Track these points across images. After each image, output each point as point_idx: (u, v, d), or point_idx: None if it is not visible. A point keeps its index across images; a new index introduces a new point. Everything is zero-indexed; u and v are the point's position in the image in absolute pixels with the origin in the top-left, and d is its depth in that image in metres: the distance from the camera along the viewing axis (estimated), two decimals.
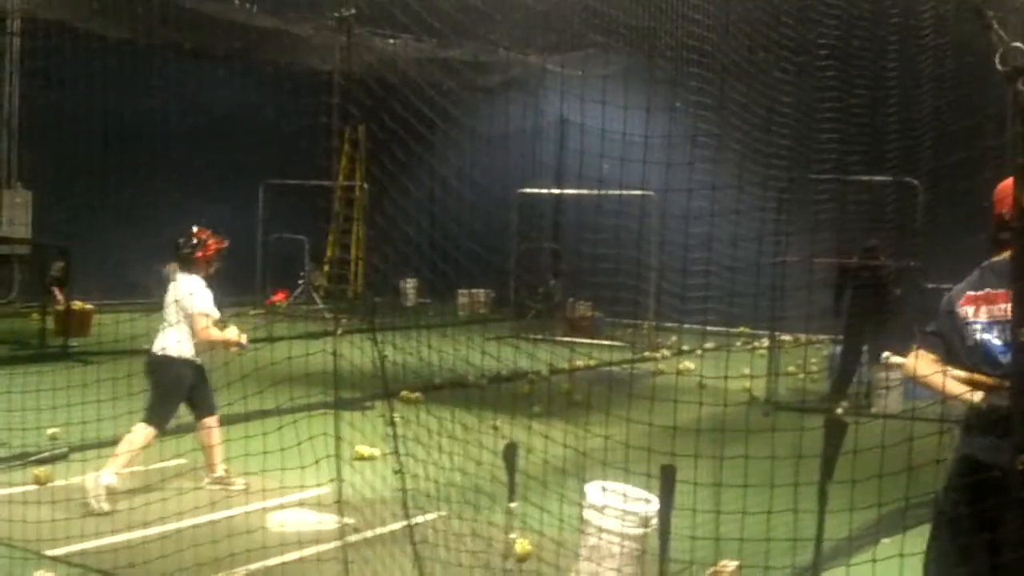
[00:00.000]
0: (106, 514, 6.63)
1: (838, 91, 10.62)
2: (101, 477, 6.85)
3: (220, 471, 7.37)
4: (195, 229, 7.35)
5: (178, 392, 7.21)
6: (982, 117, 10.15)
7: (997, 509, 3.15)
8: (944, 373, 3.66)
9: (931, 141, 11.50)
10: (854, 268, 11.52)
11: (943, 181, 11.82)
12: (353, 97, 5.90)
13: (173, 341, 7.18)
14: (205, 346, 7.25)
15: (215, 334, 7.22)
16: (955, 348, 3.73)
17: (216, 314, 7.26)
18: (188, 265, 7.31)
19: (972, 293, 3.73)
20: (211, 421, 7.41)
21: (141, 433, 7.03)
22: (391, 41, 15.50)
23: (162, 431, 7.16)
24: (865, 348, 11.70)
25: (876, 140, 11.32)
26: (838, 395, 11.51)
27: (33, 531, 5.97)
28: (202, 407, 7.39)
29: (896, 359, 4.42)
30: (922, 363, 3.78)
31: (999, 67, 2.27)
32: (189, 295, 7.12)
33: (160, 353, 7.19)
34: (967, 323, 3.69)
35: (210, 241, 7.33)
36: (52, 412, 7.17)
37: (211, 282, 7.36)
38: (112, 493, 6.81)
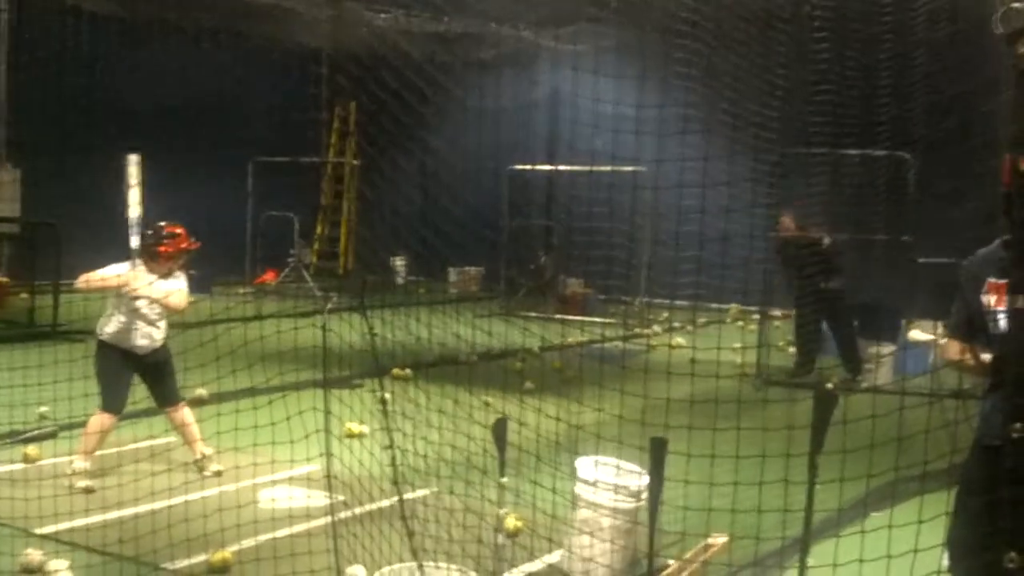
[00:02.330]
0: (93, 492, 6.61)
1: (830, 61, 10.58)
2: (73, 463, 6.88)
3: (198, 453, 7.31)
4: (162, 223, 7.08)
5: (102, 372, 7.01)
6: (975, 83, 10.10)
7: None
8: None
9: (924, 109, 11.47)
10: (792, 241, 11.51)
11: (935, 151, 11.80)
12: (343, 69, 5.84)
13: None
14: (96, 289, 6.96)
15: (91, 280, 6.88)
16: (981, 332, 3.68)
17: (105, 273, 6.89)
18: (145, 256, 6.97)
19: (994, 281, 3.63)
20: (173, 413, 7.25)
21: (94, 417, 6.98)
22: (382, 15, 15.40)
23: (114, 413, 7.01)
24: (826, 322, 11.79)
25: (869, 111, 11.27)
26: (804, 370, 11.55)
27: (23, 509, 5.95)
28: (157, 397, 7.27)
29: (920, 335, 4.41)
30: (953, 349, 3.76)
31: (999, 29, 2.23)
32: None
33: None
34: (991, 312, 3.62)
35: (172, 239, 7.04)
36: (41, 390, 7.13)
37: (166, 275, 7.04)
38: (80, 474, 6.80)
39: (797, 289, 11.69)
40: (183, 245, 7.08)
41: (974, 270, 3.72)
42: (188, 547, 5.50)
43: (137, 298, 6.87)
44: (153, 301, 6.94)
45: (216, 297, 14.42)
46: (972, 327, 3.74)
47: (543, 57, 18.62)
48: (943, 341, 3.94)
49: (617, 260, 14.92)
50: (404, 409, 5.67)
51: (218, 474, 7.11)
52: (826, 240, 11.31)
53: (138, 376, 7.19)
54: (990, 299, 3.60)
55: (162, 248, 6.99)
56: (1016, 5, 2.19)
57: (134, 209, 6.91)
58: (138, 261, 6.86)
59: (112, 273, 6.88)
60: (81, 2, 16.22)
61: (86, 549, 5.68)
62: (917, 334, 4.50)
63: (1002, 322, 3.55)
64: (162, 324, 7.12)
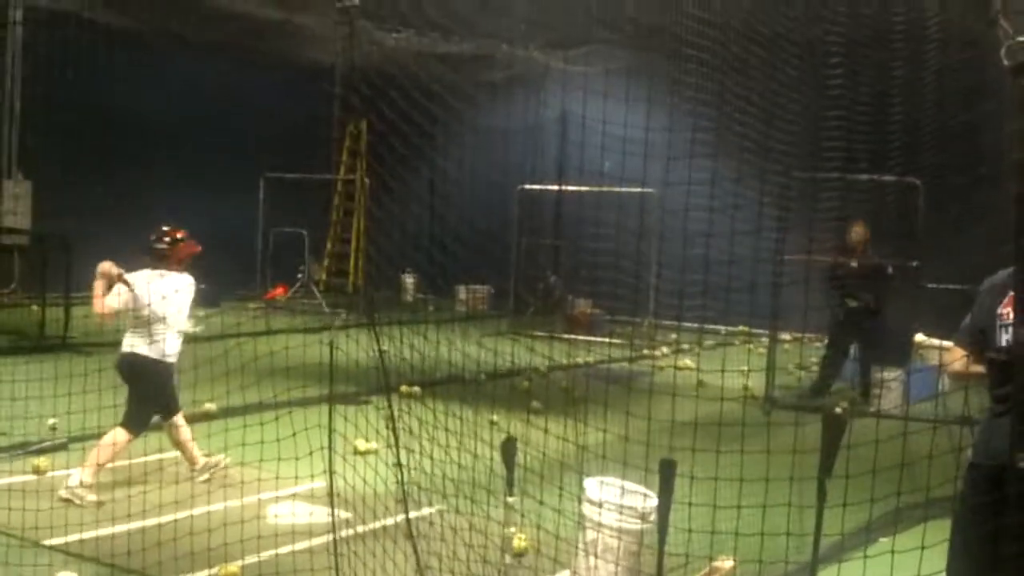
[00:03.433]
0: (101, 503, 6.65)
1: (842, 88, 10.62)
2: (71, 477, 6.88)
3: (201, 460, 7.37)
4: (166, 228, 7.21)
5: (148, 396, 7.08)
6: (983, 111, 10.14)
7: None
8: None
9: (933, 137, 11.50)
10: (843, 267, 11.56)
11: (943, 178, 11.83)
12: (355, 88, 5.88)
13: (152, 343, 7.04)
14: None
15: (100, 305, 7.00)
16: (988, 342, 3.74)
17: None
18: (161, 261, 7.14)
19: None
20: (179, 419, 7.36)
21: (117, 437, 6.98)
22: (394, 35, 15.49)
23: (136, 434, 7.08)
24: (854, 349, 11.78)
25: (879, 137, 11.31)
26: (818, 394, 11.54)
27: (32, 520, 5.98)
28: (171, 407, 7.34)
29: (927, 340, 4.46)
30: (956, 355, 3.83)
31: (1004, 61, 2.26)
32: (175, 293, 7.01)
33: (142, 355, 7.06)
34: (1004, 323, 3.69)
35: (182, 243, 7.20)
36: (52, 402, 7.16)
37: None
38: (88, 487, 6.82)
39: (835, 311, 11.67)
40: (186, 250, 7.23)
41: (998, 285, 3.85)
42: (192, 561, 5.52)
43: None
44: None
45: (226, 312, 14.47)
46: (981, 336, 3.84)
47: (553, 78, 18.69)
48: (948, 344, 4.02)
49: (624, 281, 14.94)
50: (411, 427, 5.69)
51: (225, 467, 7.21)
52: (890, 269, 11.39)
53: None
54: (1009, 311, 3.68)
55: (159, 248, 7.14)
56: (1022, 39, 2.23)
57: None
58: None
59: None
60: (94, 15, 16.34)
61: (94, 561, 5.71)
62: (923, 338, 4.54)
63: (1009, 335, 3.63)
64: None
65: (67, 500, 6.73)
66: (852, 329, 11.57)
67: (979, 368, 3.87)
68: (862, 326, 11.47)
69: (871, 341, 11.61)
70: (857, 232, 11.56)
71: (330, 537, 5.27)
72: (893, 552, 3.80)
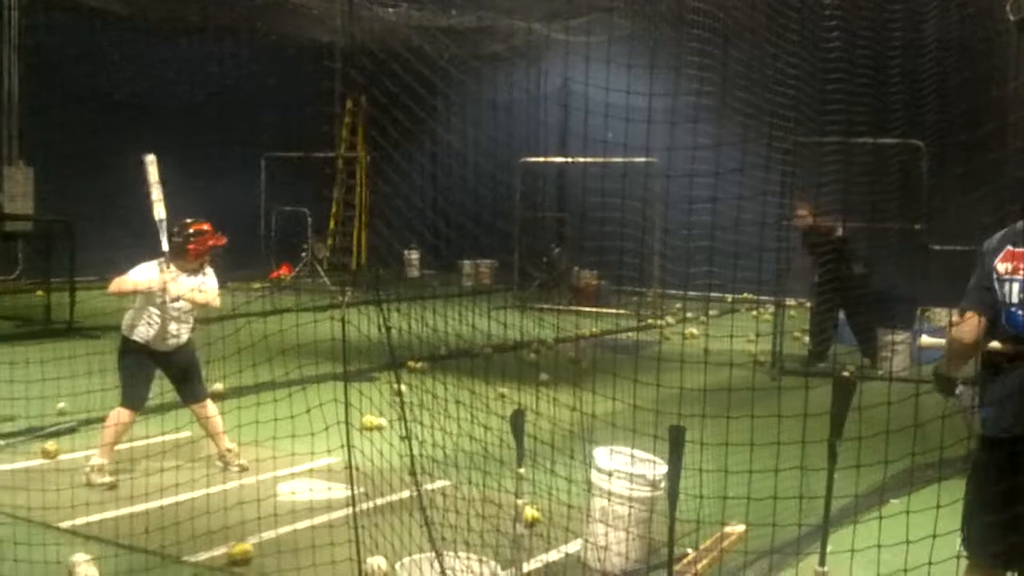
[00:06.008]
0: (112, 487, 6.68)
1: (842, 50, 10.54)
2: (91, 459, 6.90)
3: (223, 448, 7.34)
4: (188, 220, 7.11)
5: (125, 368, 6.99)
6: (985, 68, 10.07)
7: None
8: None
9: (935, 96, 11.42)
10: (821, 233, 11.54)
11: (946, 137, 11.76)
12: (354, 64, 5.84)
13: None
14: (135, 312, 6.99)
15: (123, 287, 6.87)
16: (996, 306, 3.71)
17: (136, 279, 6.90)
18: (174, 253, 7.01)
19: (1013, 249, 3.67)
20: (198, 409, 7.25)
21: (113, 414, 6.97)
22: (391, 10, 15.40)
23: (133, 409, 7.01)
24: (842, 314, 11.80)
25: (881, 98, 11.24)
26: (818, 359, 11.54)
27: (44, 503, 6.01)
28: (183, 393, 7.30)
29: (930, 340, 4.39)
30: (968, 327, 3.77)
31: (1010, 16, 2.24)
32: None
33: None
34: (1003, 279, 3.67)
35: (200, 237, 7.08)
36: (60, 387, 7.19)
37: (196, 270, 7.13)
38: (103, 470, 6.83)
39: (819, 277, 11.69)
40: (210, 242, 7.12)
41: (994, 245, 3.80)
42: (208, 540, 5.55)
43: (175, 300, 6.93)
44: (193, 304, 7.01)
45: (231, 292, 14.47)
46: (987, 294, 3.79)
47: (554, 49, 18.59)
48: (956, 319, 3.96)
49: (629, 251, 14.91)
50: (421, 401, 5.70)
51: (243, 469, 7.16)
52: (839, 231, 11.33)
53: (163, 372, 7.23)
54: (1006, 266, 3.63)
55: (191, 246, 7.03)
56: None
57: (159, 210, 6.95)
58: (170, 263, 6.91)
59: (145, 278, 6.89)
60: (94, 0, 16.27)
61: (108, 542, 5.74)
62: (927, 339, 4.50)
63: (1015, 288, 3.59)
64: (190, 321, 7.16)
65: (87, 482, 6.75)
66: (831, 293, 11.58)
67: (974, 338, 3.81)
68: (842, 291, 11.46)
69: (857, 304, 11.60)
70: (799, 214, 11.56)
71: (346, 511, 5.30)
72: (908, 512, 3.81)
